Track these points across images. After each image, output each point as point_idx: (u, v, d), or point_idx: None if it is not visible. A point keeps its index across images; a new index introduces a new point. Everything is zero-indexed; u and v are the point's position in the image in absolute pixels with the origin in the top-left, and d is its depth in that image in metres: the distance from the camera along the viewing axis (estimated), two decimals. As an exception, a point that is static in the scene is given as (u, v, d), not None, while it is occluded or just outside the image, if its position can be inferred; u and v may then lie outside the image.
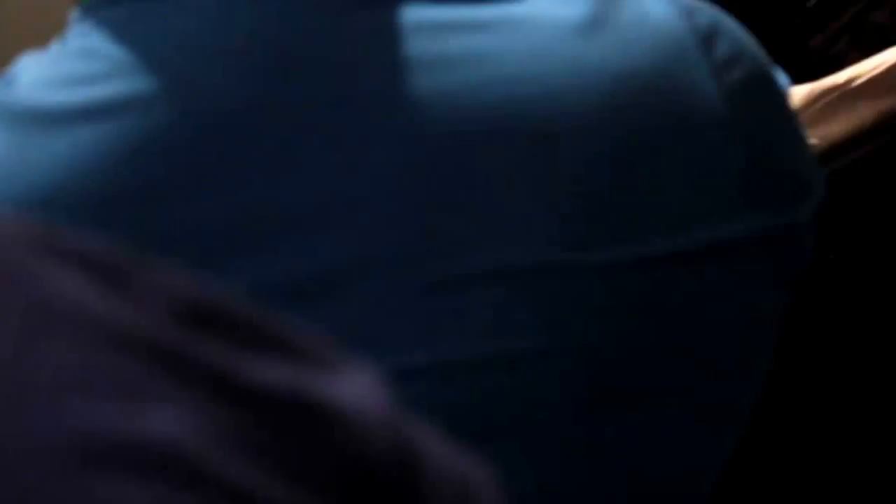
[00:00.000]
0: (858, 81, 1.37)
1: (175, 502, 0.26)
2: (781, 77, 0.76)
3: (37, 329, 0.28)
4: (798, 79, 1.52)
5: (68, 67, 0.65)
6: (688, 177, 0.66)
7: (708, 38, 0.67)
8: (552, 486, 0.64)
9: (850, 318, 1.38)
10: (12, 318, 0.28)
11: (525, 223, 0.63)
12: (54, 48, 0.67)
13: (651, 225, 0.65)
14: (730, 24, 0.70)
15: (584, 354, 0.64)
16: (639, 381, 0.66)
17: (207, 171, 0.63)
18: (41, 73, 0.65)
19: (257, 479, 0.27)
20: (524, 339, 0.63)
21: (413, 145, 0.63)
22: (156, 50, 0.64)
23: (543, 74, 0.64)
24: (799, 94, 1.38)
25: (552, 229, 0.63)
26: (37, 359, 0.27)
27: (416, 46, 0.64)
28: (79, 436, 0.26)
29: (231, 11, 0.64)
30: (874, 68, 1.37)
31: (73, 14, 0.68)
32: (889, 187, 1.40)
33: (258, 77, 0.63)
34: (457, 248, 0.63)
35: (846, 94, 1.37)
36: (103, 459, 0.25)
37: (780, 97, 0.72)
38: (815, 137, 1.37)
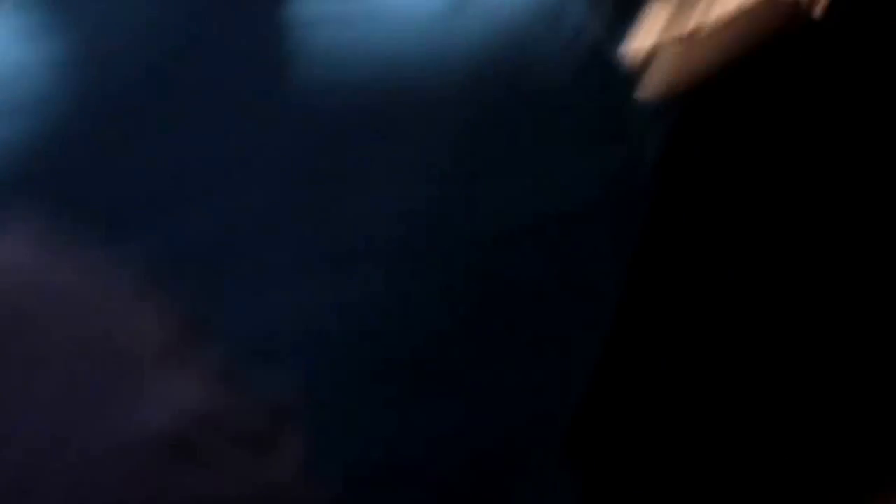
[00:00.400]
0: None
1: None
2: (622, 48, 0.83)
3: None
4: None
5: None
6: (546, 139, 0.74)
7: (556, 15, 0.75)
8: None
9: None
10: None
11: (413, 195, 0.69)
12: None
13: (520, 192, 0.72)
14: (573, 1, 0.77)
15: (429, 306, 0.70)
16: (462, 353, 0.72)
17: (121, 128, 0.66)
18: None
19: None
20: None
21: (298, 126, 0.68)
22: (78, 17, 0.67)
23: (410, 57, 0.70)
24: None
25: (437, 202, 0.70)
26: None
27: (304, 37, 0.69)
28: None
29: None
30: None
31: None
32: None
33: (157, 54, 0.67)
34: (342, 215, 0.69)
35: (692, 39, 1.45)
36: None
37: (617, 68, 0.80)
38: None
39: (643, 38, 1.45)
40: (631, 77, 0.79)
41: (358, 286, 0.68)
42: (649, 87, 1.42)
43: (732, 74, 1.51)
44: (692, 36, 1.46)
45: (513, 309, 0.72)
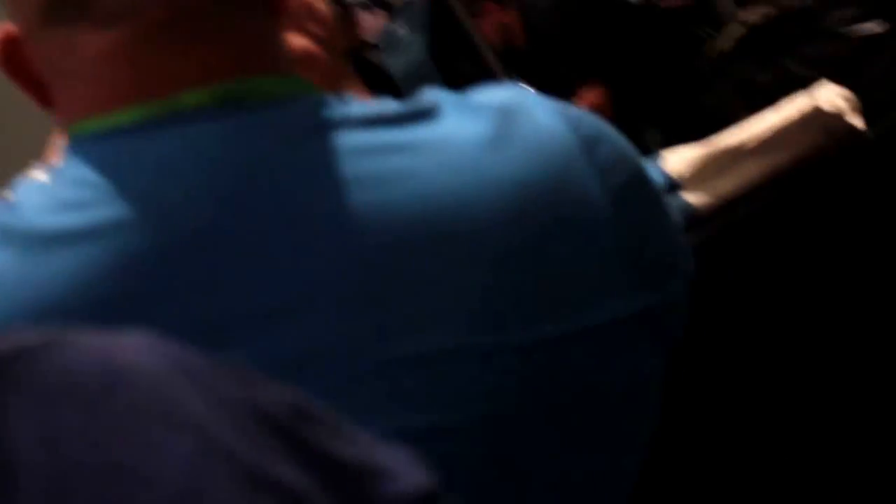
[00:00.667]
0: (750, 144, 1.46)
1: None
2: (655, 173, 0.83)
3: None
4: (691, 135, 1.61)
5: (63, 194, 0.71)
6: (579, 267, 0.72)
7: (591, 145, 0.74)
8: None
9: (752, 361, 1.45)
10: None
11: (442, 314, 0.69)
12: (51, 176, 0.74)
13: (553, 308, 0.71)
14: (610, 132, 0.77)
15: (486, 428, 0.70)
16: (534, 452, 0.72)
17: (175, 282, 0.69)
18: (41, 200, 0.72)
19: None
20: (434, 414, 0.70)
21: (350, 253, 0.69)
22: (136, 180, 0.71)
23: (454, 187, 0.71)
24: (694, 153, 1.47)
25: (466, 318, 0.69)
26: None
27: (352, 168, 0.70)
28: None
29: (198, 147, 0.71)
30: (761, 131, 1.47)
31: (66, 146, 0.75)
32: (776, 238, 1.49)
33: (218, 203, 0.70)
34: (386, 338, 0.69)
35: (736, 154, 1.46)
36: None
37: (655, 193, 0.79)
38: (709, 194, 1.46)
39: (684, 157, 1.46)
40: (662, 208, 0.79)
41: (407, 408, 0.70)
42: (693, 202, 1.42)
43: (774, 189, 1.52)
44: (738, 150, 1.46)
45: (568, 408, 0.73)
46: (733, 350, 1.45)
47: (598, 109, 3.07)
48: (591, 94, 3.11)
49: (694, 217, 1.45)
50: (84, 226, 0.70)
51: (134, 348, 0.44)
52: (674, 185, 1.47)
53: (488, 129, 0.73)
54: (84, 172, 0.72)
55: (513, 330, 0.71)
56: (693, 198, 1.45)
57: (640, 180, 0.77)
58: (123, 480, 0.39)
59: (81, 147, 0.74)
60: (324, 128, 0.73)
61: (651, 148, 3.13)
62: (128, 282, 0.69)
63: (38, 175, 0.95)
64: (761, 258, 1.47)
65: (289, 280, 0.70)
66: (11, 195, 0.75)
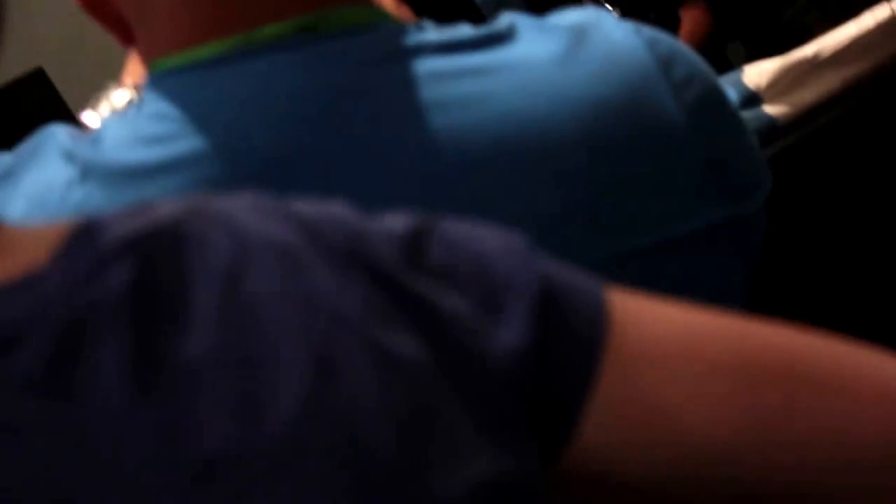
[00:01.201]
0: (825, 54, 1.49)
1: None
2: (730, 91, 0.85)
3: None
4: (773, 49, 1.64)
5: (144, 129, 0.73)
6: (659, 180, 0.74)
7: (667, 63, 0.75)
8: None
9: (822, 267, 1.47)
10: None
11: (524, 227, 0.71)
12: (131, 111, 0.76)
13: (633, 224, 0.73)
14: (684, 49, 0.79)
15: None
16: None
17: None
18: (122, 134, 0.73)
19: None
20: None
21: (429, 176, 0.71)
22: (215, 111, 0.73)
23: (532, 107, 0.72)
24: (772, 66, 1.50)
25: (546, 231, 0.70)
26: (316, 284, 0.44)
27: (430, 93, 0.72)
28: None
29: (276, 76, 0.73)
30: (837, 41, 1.49)
31: (146, 80, 0.77)
32: (856, 147, 1.51)
33: (297, 131, 0.71)
34: None
35: (815, 65, 1.49)
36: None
37: (729, 108, 0.80)
38: (788, 105, 1.49)
39: (763, 69, 1.49)
40: (738, 123, 0.81)
41: None
42: (773, 114, 1.46)
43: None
44: (815, 61, 1.49)
45: None
46: (815, 260, 1.47)
47: (700, 26, 3.08)
48: (695, 11, 3.11)
49: (775, 128, 1.48)
50: (164, 159, 0.71)
51: (256, 216, 0.47)
52: (754, 98, 1.50)
53: (562, 47, 0.74)
54: (164, 107, 0.73)
55: (593, 245, 0.72)
56: (773, 109, 1.48)
57: (716, 97, 0.78)
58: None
59: (161, 82, 0.75)
60: (400, 54, 0.74)
61: (733, 62, 3.13)
62: None
63: (117, 94, 0.98)
64: (841, 167, 1.49)
65: (369, 204, 0.70)
66: (94, 127, 0.77)
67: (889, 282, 1.49)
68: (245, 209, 0.47)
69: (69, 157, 0.73)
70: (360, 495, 0.40)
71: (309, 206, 0.49)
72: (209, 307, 0.43)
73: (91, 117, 0.95)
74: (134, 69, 0.97)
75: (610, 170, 0.72)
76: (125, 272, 0.44)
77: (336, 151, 0.71)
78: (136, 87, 0.95)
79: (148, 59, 0.79)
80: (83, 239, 0.45)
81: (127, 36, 0.79)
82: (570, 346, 0.47)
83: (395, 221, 0.48)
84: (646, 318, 0.49)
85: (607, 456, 0.46)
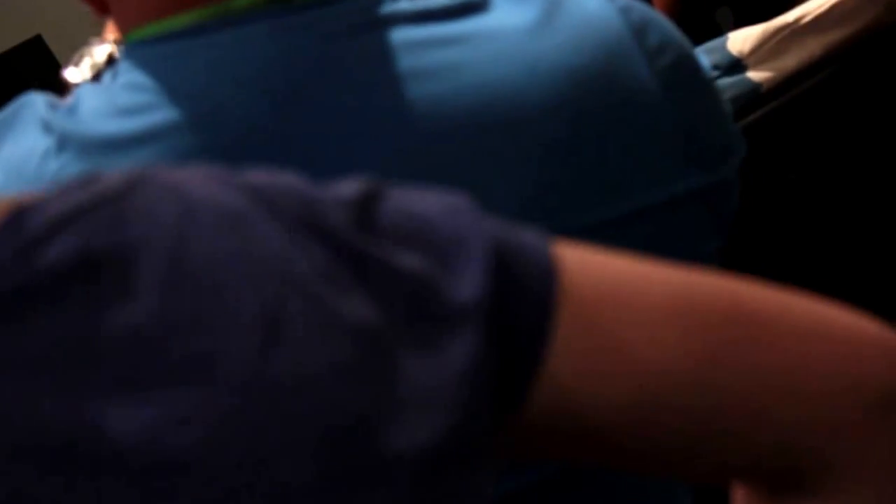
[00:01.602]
0: (806, 19, 1.50)
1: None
2: (703, 58, 0.85)
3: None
4: (755, 18, 1.65)
5: (119, 99, 0.73)
6: (634, 148, 0.74)
7: (640, 30, 0.76)
8: None
9: (806, 231, 1.49)
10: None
11: (500, 199, 0.71)
12: (106, 80, 0.76)
13: (608, 191, 0.73)
14: (657, 17, 0.79)
15: None
16: None
17: None
18: (97, 104, 0.73)
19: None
20: None
21: (403, 146, 0.71)
22: (190, 82, 0.73)
23: (506, 76, 0.72)
24: (755, 32, 1.52)
25: (523, 202, 0.71)
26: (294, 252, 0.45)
27: (405, 62, 0.72)
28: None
29: (250, 46, 0.73)
30: (819, 6, 1.51)
31: (120, 50, 0.78)
32: (838, 111, 1.53)
33: (271, 100, 0.72)
34: None
35: (796, 31, 1.50)
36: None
37: (702, 75, 0.80)
38: (771, 70, 1.51)
39: (747, 35, 1.51)
40: (711, 90, 0.81)
41: None
42: (757, 79, 1.48)
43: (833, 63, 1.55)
44: (797, 26, 1.51)
45: None
46: (798, 224, 1.49)
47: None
48: None
49: (758, 94, 1.50)
50: (140, 129, 0.71)
51: (206, 184, 0.47)
52: (738, 64, 1.52)
53: (536, 15, 0.74)
54: (138, 77, 0.74)
55: (568, 214, 0.72)
56: (757, 75, 1.50)
57: (689, 64, 0.78)
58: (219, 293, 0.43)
59: (136, 52, 0.75)
60: (374, 23, 0.74)
61: (722, 27, 3.14)
62: None
63: (99, 50, 0.98)
64: (824, 131, 1.50)
65: (342, 173, 0.68)
66: (70, 97, 0.76)
67: (871, 244, 1.51)
68: (193, 178, 0.48)
69: (46, 127, 0.74)
70: (315, 454, 0.42)
71: (260, 175, 0.49)
72: (154, 274, 0.43)
73: (73, 73, 0.96)
74: (113, 27, 0.95)
75: (585, 138, 0.73)
76: (63, 247, 0.44)
77: (310, 121, 0.72)
78: (118, 42, 0.96)
79: (123, 29, 0.79)
80: (15, 221, 0.45)
81: (102, 5, 0.79)
82: (525, 296, 0.48)
83: (345, 188, 0.49)
84: (595, 268, 0.51)
85: (568, 398, 0.48)
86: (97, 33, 0.98)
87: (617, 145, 0.74)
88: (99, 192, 0.46)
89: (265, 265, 0.44)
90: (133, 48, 0.76)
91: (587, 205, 0.73)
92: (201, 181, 0.47)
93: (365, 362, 0.44)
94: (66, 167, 0.72)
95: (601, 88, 0.74)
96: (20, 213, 0.46)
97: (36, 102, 0.76)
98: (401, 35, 0.73)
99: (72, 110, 0.74)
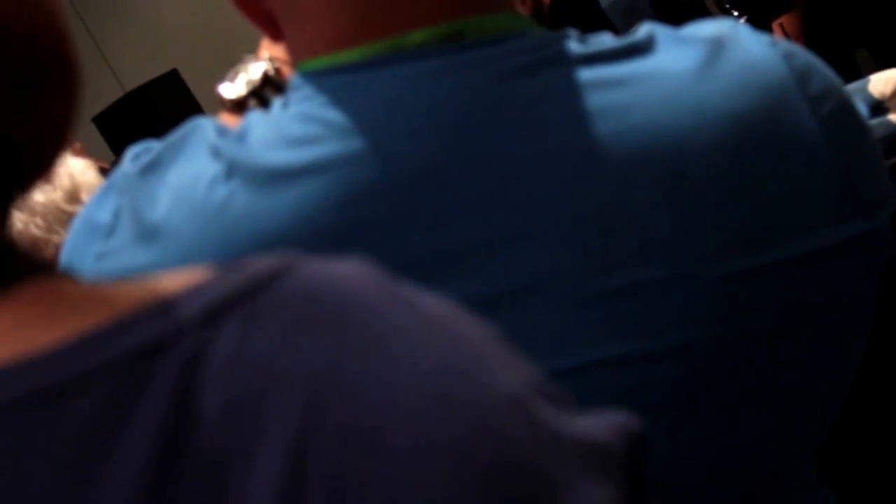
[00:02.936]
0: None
1: None
2: (860, 105, 0.84)
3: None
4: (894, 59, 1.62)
5: (290, 130, 0.73)
6: (796, 195, 0.74)
7: (803, 77, 0.76)
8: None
9: None
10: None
11: (662, 243, 0.71)
12: (277, 110, 0.77)
13: (770, 237, 0.73)
14: (818, 64, 0.79)
15: (703, 353, 0.72)
16: (747, 375, 0.73)
17: (400, 215, 0.71)
18: (267, 134, 0.74)
19: None
20: (655, 339, 0.72)
21: (573, 185, 0.71)
22: (362, 115, 0.73)
23: (672, 118, 0.72)
24: (893, 77, 1.50)
25: (684, 247, 0.71)
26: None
27: (576, 102, 0.72)
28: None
29: (424, 82, 0.73)
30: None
31: (294, 79, 0.78)
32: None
33: (444, 137, 0.72)
34: (608, 266, 0.71)
35: (941, 74, 1.48)
36: None
37: (861, 122, 0.79)
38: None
39: (890, 77, 1.48)
40: (870, 137, 0.81)
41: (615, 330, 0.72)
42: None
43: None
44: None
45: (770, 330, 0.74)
46: None
47: (792, 36, 3.06)
48: (787, 22, 3.09)
49: (901, 137, 1.47)
50: (310, 161, 0.72)
51: (357, 278, 0.46)
52: (880, 107, 1.49)
53: (700, 58, 0.74)
54: (310, 108, 0.74)
55: (730, 257, 0.72)
56: (899, 118, 1.47)
57: (849, 111, 0.78)
58: (366, 393, 0.42)
59: (309, 83, 0.76)
60: (547, 63, 0.74)
61: (861, 69, 3.10)
62: (351, 215, 0.71)
63: (254, 67, 0.99)
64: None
65: (511, 212, 0.72)
66: (239, 123, 0.77)
67: None
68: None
69: (215, 152, 0.74)
70: None
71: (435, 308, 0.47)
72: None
73: (228, 88, 0.98)
74: (268, 44, 0.98)
75: (748, 182, 0.73)
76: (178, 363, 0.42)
77: (482, 159, 0.72)
78: (272, 60, 0.98)
79: (295, 58, 0.80)
80: (154, 310, 0.44)
81: (276, 33, 0.81)
82: None
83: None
84: None
85: None
86: (229, 66, 1.01)
87: (777, 191, 0.73)
88: (247, 276, 0.45)
89: None
90: (305, 78, 0.77)
91: (747, 248, 0.73)
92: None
93: None
94: (234, 194, 0.72)
95: (764, 133, 0.73)
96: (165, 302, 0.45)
97: (206, 127, 0.77)
98: (572, 75, 0.74)
99: (241, 137, 0.75)
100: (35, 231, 1.30)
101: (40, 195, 1.33)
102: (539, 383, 0.46)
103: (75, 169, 1.42)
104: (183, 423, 0.40)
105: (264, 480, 0.39)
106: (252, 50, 1.03)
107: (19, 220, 1.30)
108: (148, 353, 0.42)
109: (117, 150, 5.96)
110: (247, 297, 0.44)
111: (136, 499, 0.39)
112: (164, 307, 0.44)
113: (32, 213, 1.30)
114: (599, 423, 0.46)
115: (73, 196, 1.36)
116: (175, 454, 0.40)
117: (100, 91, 7.29)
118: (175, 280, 0.46)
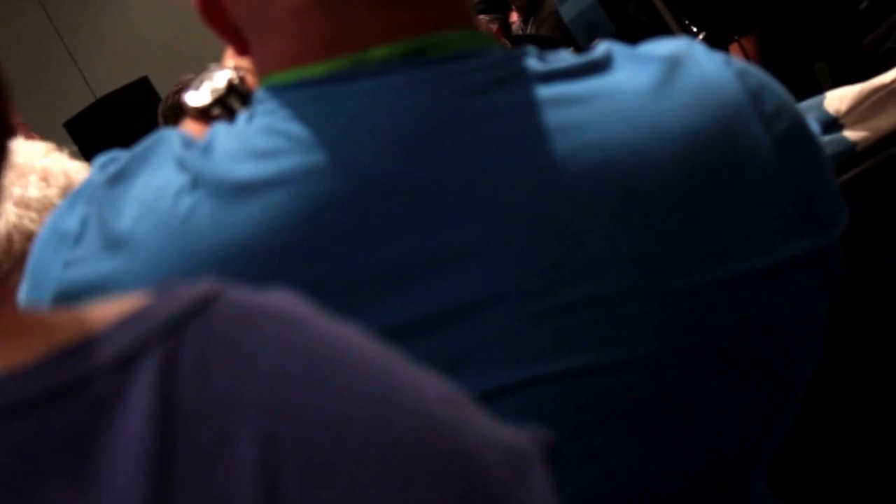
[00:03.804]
0: (901, 79, 1.51)
1: None
2: (812, 123, 0.85)
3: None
4: (852, 76, 1.66)
5: (254, 143, 0.74)
6: (749, 212, 0.75)
7: (757, 95, 0.77)
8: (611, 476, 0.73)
9: None
10: None
11: (615, 259, 0.72)
12: (242, 122, 0.78)
13: (722, 255, 0.74)
14: (771, 82, 0.79)
15: (653, 367, 0.73)
16: (699, 388, 0.75)
17: (362, 227, 0.72)
18: (232, 146, 0.75)
19: None
20: (606, 353, 0.73)
21: (531, 201, 0.72)
22: (326, 129, 0.74)
23: (628, 135, 0.73)
24: (851, 92, 1.53)
25: (636, 263, 0.72)
26: None
27: (534, 119, 0.74)
28: None
29: (386, 97, 0.74)
30: (917, 68, 1.51)
31: (259, 92, 0.79)
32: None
33: (405, 151, 0.73)
34: (562, 281, 0.72)
35: (892, 92, 1.51)
36: None
37: (815, 141, 0.80)
38: (867, 130, 1.52)
39: (844, 95, 1.52)
40: (823, 155, 0.82)
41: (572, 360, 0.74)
42: (853, 139, 1.48)
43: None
44: (892, 85, 1.51)
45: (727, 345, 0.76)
46: (891, 282, 1.48)
47: (750, 56, 3.10)
48: (746, 42, 3.12)
49: (854, 153, 1.50)
50: (274, 174, 0.73)
51: (288, 300, 0.47)
52: (834, 123, 1.53)
53: (656, 76, 0.75)
54: (275, 121, 0.75)
55: (683, 274, 0.73)
56: (853, 135, 1.51)
57: (803, 129, 0.79)
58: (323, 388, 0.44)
59: (274, 97, 0.77)
60: (506, 80, 0.75)
61: (821, 82, 3.13)
62: (313, 228, 0.72)
63: (219, 75, 0.98)
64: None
65: (468, 227, 0.73)
66: (205, 135, 0.78)
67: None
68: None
69: (181, 164, 0.75)
70: None
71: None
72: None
73: (193, 97, 0.98)
74: (233, 54, 0.96)
75: (702, 199, 0.74)
76: (146, 384, 0.43)
77: (442, 173, 0.73)
78: (237, 69, 0.98)
79: (261, 72, 0.80)
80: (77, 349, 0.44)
81: (242, 47, 0.81)
82: None
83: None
84: None
85: None
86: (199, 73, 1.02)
87: (731, 208, 0.74)
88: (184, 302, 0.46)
89: None
90: (270, 92, 0.77)
91: (702, 265, 0.74)
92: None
93: None
94: (199, 206, 0.73)
95: (718, 151, 0.75)
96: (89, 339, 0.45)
97: (172, 139, 0.78)
98: (531, 92, 0.75)
99: (206, 149, 0.76)
100: (29, 225, 1.32)
101: (35, 191, 1.34)
102: (456, 392, 0.48)
103: (70, 168, 1.44)
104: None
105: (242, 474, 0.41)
106: (222, 58, 1.03)
107: (13, 214, 1.31)
108: (59, 394, 0.42)
109: (88, 155, 5.94)
110: (179, 326, 0.45)
111: None
112: (85, 344, 0.44)
113: (27, 207, 1.31)
114: (517, 432, 0.49)
115: (68, 193, 1.38)
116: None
117: (71, 97, 7.27)
118: (107, 310, 0.46)
